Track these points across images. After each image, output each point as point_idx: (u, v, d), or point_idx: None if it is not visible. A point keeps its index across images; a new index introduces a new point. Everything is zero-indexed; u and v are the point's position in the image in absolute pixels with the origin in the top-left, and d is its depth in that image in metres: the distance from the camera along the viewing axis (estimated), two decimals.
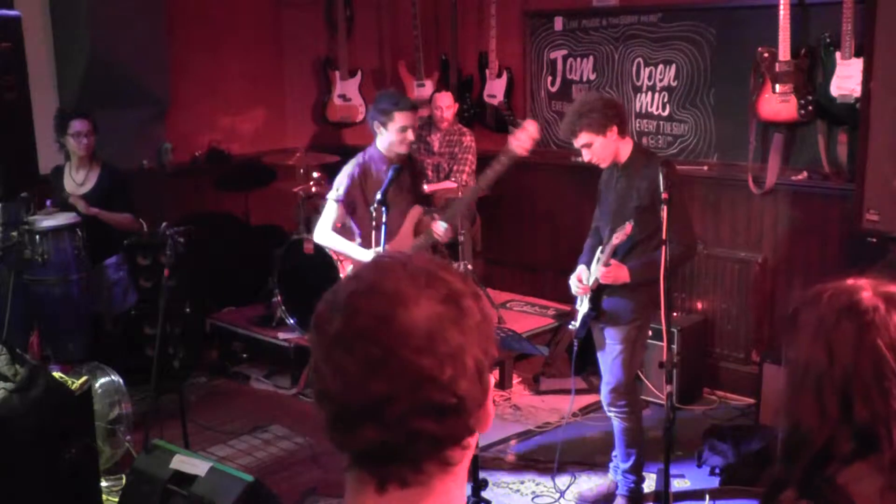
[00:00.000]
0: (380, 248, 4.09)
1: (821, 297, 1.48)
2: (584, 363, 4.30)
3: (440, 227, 4.39)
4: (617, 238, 3.81)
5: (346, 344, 1.05)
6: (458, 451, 1.10)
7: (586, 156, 3.97)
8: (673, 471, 3.76)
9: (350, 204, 4.39)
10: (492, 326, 1.13)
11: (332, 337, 1.06)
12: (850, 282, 1.49)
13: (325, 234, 4.50)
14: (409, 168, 4.46)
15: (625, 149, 3.97)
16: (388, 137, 4.28)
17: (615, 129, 3.88)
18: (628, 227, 3.77)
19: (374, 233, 4.13)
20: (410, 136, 4.29)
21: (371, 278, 1.09)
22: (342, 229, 4.57)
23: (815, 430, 1.40)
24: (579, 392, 5.11)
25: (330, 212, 4.46)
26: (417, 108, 4.43)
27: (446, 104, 6.12)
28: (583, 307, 4.09)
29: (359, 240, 4.44)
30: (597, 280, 3.96)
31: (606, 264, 3.89)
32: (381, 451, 1.06)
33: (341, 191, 4.36)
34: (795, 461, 1.42)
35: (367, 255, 4.26)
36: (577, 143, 3.94)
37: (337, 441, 1.09)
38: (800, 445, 1.42)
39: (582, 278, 4.08)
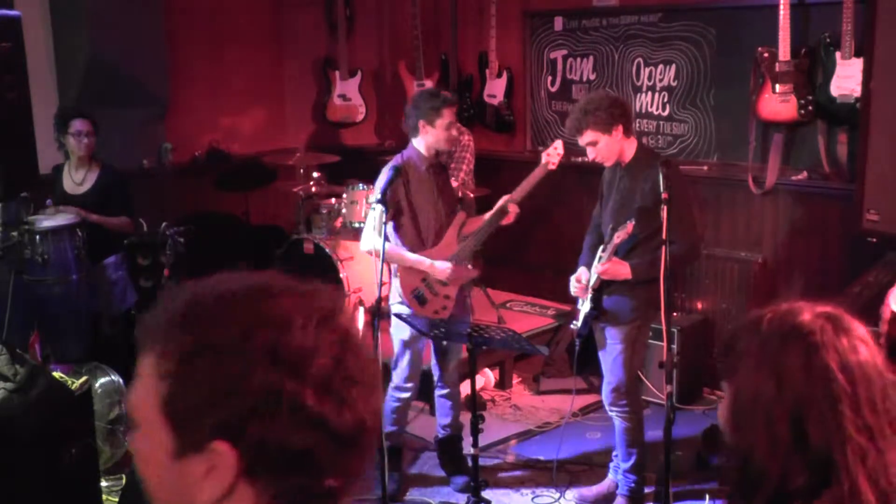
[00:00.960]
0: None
1: (760, 322, 1.41)
2: (585, 363, 4.30)
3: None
4: (618, 237, 3.81)
5: (330, 387, 1.00)
6: None
7: (591, 154, 3.97)
8: (673, 471, 3.76)
9: (394, 206, 4.22)
10: None
11: (313, 381, 1.00)
12: (786, 305, 1.43)
13: (374, 240, 4.20)
14: (444, 174, 4.44)
15: (629, 148, 3.97)
16: (434, 135, 4.18)
17: (620, 128, 3.88)
18: (629, 226, 3.76)
19: (413, 231, 4.11)
20: (455, 132, 4.28)
21: (282, 307, 1.02)
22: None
23: (768, 462, 1.35)
24: (579, 392, 5.11)
25: (375, 217, 4.29)
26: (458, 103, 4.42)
27: None
28: (584, 307, 4.08)
29: (396, 240, 4.28)
30: (598, 279, 3.95)
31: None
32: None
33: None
34: (752, 498, 1.38)
35: (421, 260, 4.17)
36: (582, 140, 3.93)
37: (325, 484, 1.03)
38: (754, 481, 1.37)
39: (582, 279, 4.08)
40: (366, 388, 1.04)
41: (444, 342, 4.36)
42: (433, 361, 4.48)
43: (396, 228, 4.27)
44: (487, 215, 4.39)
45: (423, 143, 4.24)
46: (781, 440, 1.34)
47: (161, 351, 1.02)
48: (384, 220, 3.95)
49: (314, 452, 0.99)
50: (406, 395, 4.36)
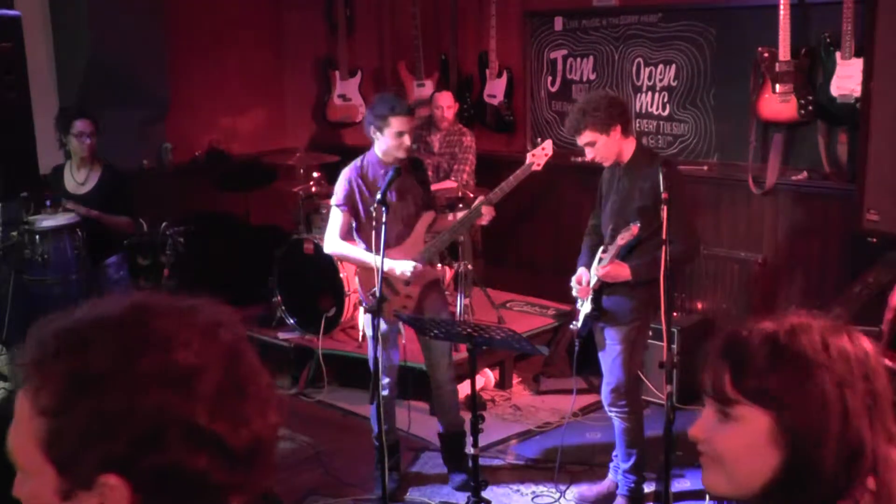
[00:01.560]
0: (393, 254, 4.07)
1: (795, 341, 1.26)
2: (585, 363, 4.30)
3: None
4: (623, 239, 3.80)
5: (222, 404, 0.97)
6: None
7: (589, 154, 3.97)
8: (673, 471, 3.76)
9: (353, 208, 4.23)
10: None
11: (224, 386, 0.99)
12: (803, 322, 1.28)
13: (334, 243, 4.27)
14: (416, 175, 4.35)
15: (628, 148, 3.96)
16: (385, 142, 4.12)
17: (619, 128, 3.88)
18: (634, 228, 3.74)
19: (373, 233, 4.07)
20: (407, 141, 4.12)
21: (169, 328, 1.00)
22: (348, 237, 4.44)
23: (821, 486, 1.26)
24: (579, 392, 5.11)
25: (335, 219, 4.27)
26: (414, 113, 4.29)
27: (447, 104, 6.11)
28: (584, 307, 4.08)
29: (362, 245, 4.26)
30: (598, 280, 3.95)
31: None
32: None
33: (341, 196, 4.22)
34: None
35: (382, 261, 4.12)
36: (581, 140, 3.93)
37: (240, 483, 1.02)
38: (791, 494, 1.28)
39: (582, 280, 4.08)
40: (259, 402, 1.00)
41: (424, 339, 4.32)
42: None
43: (357, 230, 4.26)
44: (460, 215, 4.36)
45: (378, 147, 4.19)
46: (842, 464, 1.26)
47: (37, 387, 0.96)
48: (384, 220, 3.91)
49: (211, 475, 0.95)
50: (383, 392, 4.31)
